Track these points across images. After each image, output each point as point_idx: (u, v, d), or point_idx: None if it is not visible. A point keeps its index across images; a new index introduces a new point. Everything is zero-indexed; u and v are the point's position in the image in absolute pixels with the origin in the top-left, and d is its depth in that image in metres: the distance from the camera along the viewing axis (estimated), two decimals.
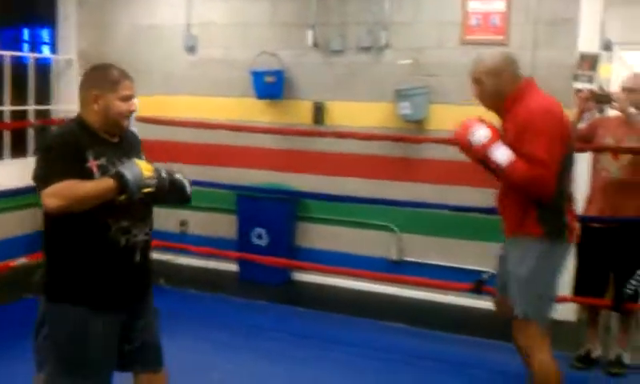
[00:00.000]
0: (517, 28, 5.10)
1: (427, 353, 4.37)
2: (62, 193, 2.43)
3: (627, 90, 4.06)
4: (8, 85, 5.76)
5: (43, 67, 6.41)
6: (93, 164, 2.52)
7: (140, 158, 2.70)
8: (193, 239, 5.98)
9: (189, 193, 2.75)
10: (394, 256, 5.51)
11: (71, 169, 2.48)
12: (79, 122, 2.65)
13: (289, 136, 5.70)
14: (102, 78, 2.65)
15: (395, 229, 5.53)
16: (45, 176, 2.48)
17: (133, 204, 2.54)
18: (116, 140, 2.68)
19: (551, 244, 2.99)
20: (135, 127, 3.16)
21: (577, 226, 3.12)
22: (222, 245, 5.72)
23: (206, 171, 5.73)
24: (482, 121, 3.04)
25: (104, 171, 2.52)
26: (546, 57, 5.01)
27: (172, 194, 2.69)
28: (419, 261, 5.45)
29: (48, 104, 6.33)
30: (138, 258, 2.64)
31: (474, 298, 4.98)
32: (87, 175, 2.50)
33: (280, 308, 5.13)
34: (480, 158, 2.99)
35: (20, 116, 5.94)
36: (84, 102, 2.65)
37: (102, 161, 2.54)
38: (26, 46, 6.82)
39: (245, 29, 5.94)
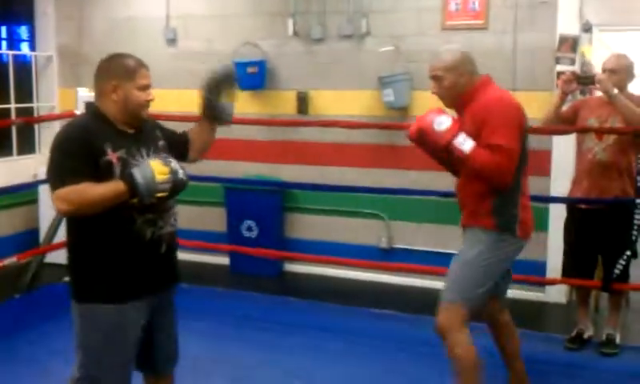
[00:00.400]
0: (496, 12, 5.14)
1: (420, 339, 4.40)
2: (71, 198, 2.36)
3: (609, 70, 4.09)
4: None
5: (23, 65, 6.34)
6: (112, 156, 2.44)
7: (159, 144, 2.66)
8: (182, 233, 5.94)
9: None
10: (384, 244, 5.56)
11: (85, 167, 2.39)
12: (95, 113, 2.58)
13: (274, 127, 5.71)
14: (119, 67, 2.56)
15: (384, 216, 5.58)
16: (56, 176, 2.41)
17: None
18: (133, 131, 2.59)
19: (501, 236, 3.05)
20: None
21: (530, 220, 3.16)
22: (212, 238, 5.73)
23: (192, 165, 5.70)
24: (443, 111, 3.10)
25: (125, 164, 2.44)
26: (527, 40, 5.06)
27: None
28: (409, 248, 5.50)
29: (29, 102, 6.27)
30: (163, 249, 2.56)
31: None
32: (106, 169, 2.42)
33: (272, 299, 5.16)
34: (442, 146, 3.01)
35: (1, 115, 5.88)
36: (101, 92, 2.56)
37: (122, 153, 2.46)
38: (4, 44, 6.73)
39: (225, 19, 5.92)
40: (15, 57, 6.18)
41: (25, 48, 6.71)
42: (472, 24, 5.20)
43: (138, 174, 2.37)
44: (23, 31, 6.79)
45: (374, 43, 5.46)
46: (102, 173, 2.41)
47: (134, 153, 2.50)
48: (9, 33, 6.89)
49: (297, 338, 4.41)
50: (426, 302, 5.13)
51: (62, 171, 2.40)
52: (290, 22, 5.64)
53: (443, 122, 3.01)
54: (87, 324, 2.52)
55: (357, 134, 5.42)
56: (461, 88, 3.08)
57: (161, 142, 2.69)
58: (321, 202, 5.71)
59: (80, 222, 2.49)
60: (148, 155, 2.53)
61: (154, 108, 6.10)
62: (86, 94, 5.47)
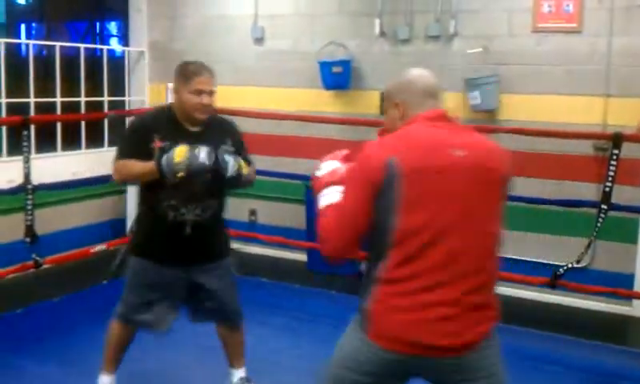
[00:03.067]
0: (591, 14, 4.96)
1: (502, 347, 4.31)
2: (118, 169, 3.02)
3: None
4: (83, 77, 5.94)
5: (113, 59, 6.58)
6: (156, 145, 2.91)
7: (226, 145, 3.02)
8: (262, 228, 6.05)
9: (228, 174, 2.91)
10: None
11: (136, 148, 2.96)
12: (165, 108, 3.14)
13: (356, 126, 5.70)
14: (180, 72, 3.00)
15: None
16: (116, 152, 3.05)
17: (183, 186, 2.87)
18: (196, 129, 3.01)
19: (360, 327, 2.15)
20: None
21: (398, 323, 2.05)
22: (292, 234, 5.76)
23: (274, 162, 5.79)
24: (346, 158, 2.36)
25: (163, 152, 2.86)
26: (623, 44, 4.87)
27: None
28: None
29: (120, 95, 6.49)
30: (188, 231, 3.01)
31: (548, 293, 4.94)
32: (151, 154, 2.90)
33: (349, 298, 5.13)
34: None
35: (94, 107, 6.12)
36: (172, 91, 3.09)
37: (165, 144, 2.90)
38: (95, 39, 7.00)
39: (312, 19, 5.96)
40: (107, 51, 6.42)
41: (114, 43, 6.96)
42: (565, 27, 5.04)
43: (164, 155, 2.83)
44: (113, 27, 7.06)
45: (461, 44, 5.37)
46: (149, 157, 2.90)
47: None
48: (100, 28, 7.17)
49: None
50: (508, 310, 5.02)
51: (121, 149, 3.04)
52: (377, 22, 5.62)
53: (323, 167, 2.34)
54: (127, 269, 3.23)
55: None
56: (395, 124, 2.20)
57: (225, 147, 3.01)
58: None
59: (139, 197, 3.21)
60: None
61: (240, 104, 6.26)
62: None
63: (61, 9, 6.61)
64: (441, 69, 5.45)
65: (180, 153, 2.77)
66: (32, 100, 5.48)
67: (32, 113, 5.44)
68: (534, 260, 5.18)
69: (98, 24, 7.14)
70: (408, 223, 2.02)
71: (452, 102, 5.38)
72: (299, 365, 3.97)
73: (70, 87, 5.92)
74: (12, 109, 5.35)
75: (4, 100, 5.26)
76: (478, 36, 5.31)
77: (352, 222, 2.09)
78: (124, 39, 6.79)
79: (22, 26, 6.81)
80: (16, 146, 4.78)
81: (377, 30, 5.63)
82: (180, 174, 2.78)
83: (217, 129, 3.08)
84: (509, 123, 5.07)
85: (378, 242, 2.08)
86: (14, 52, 5.80)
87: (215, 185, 2.97)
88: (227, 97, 5.97)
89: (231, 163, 2.90)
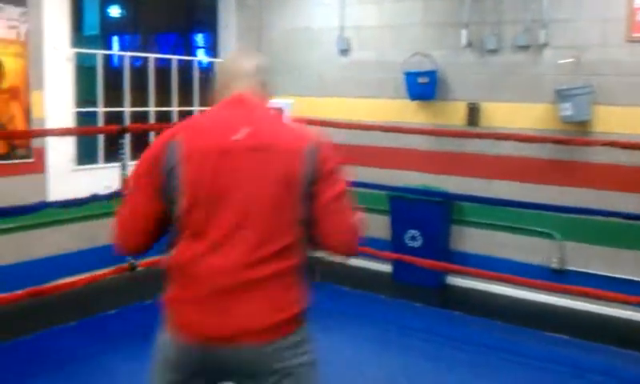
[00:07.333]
0: None
1: (592, 366, 4.20)
2: None
3: None
4: (175, 87, 6.12)
5: (203, 71, 6.75)
6: None
7: None
8: None
9: None
10: (555, 264, 5.31)
11: None
12: None
13: (442, 137, 5.66)
14: None
15: (557, 236, 5.34)
16: None
17: None
18: None
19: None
20: None
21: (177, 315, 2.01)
22: (376, 245, 5.74)
23: (358, 172, 5.79)
24: None
25: None
26: None
27: None
28: (583, 270, 5.20)
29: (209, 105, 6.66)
30: None
31: None
32: None
33: (433, 311, 5.11)
34: None
35: (184, 117, 6.28)
36: None
37: None
38: (186, 51, 7.21)
39: (397, 30, 5.96)
40: (197, 62, 6.60)
41: (201, 54, 7.16)
42: None
43: None
44: (200, 39, 7.27)
45: (552, 55, 5.26)
46: None
47: None
48: (188, 40, 7.40)
49: (460, 353, 4.34)
50: (600, 328, 4.89)
51: None
52: (464, 33, 5.57)
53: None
54: None
55: (528, 148, 5.25)
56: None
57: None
58: (489, 217, 5.57)
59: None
60: None
61: (325, 114, 6.31)
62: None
63: (152, 21, 6.82)
64: (529, 79, 5.37)
65: None
66: (127, 109, 5.69)
67: (127, 122, 5.65)
68: (630, 278, 4.99)
69: (187, 36, 7.35)
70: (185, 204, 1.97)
71: (540, 113, 5.30)
72: (385, 376, 3.96)
73: (162, 97, 6.12)
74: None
75: (101, 109, 5.48)
76: (569, 46, 5.18)
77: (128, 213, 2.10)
78: (211, 50, 6.96)
79: (115, 38, 7.06)
80: (109, 154, 4.97)
81: (463, 40, 5.58)
82: None
83: None
84: (603, 136, 4.93)
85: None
86: (106, 63, 6.02)
87: None
88: (313, 107, 6.07)
89: None
